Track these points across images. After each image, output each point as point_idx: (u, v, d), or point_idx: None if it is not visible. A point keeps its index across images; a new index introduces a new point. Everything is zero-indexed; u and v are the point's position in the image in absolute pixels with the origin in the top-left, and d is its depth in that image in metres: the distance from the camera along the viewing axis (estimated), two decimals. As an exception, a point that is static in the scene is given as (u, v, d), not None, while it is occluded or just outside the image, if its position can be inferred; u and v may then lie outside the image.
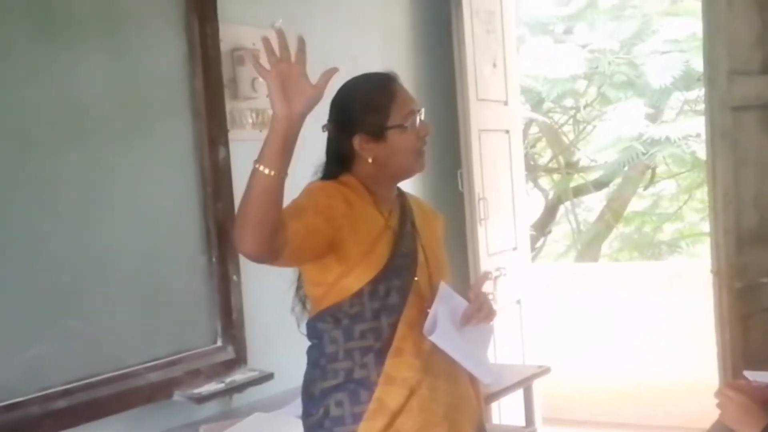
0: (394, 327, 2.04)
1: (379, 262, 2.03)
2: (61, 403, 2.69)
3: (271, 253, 1.84)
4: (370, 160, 2.08)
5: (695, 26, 6.77)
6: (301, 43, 1.83)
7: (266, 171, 1.76)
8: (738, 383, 2.30)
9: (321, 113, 2.07)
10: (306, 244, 1.93)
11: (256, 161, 1.78)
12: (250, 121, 3.48)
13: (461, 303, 2.11)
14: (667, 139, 7.38)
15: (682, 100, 8.12)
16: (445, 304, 2.07)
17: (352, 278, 2.02)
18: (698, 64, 6.67)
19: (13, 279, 2.62)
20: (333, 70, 1.85)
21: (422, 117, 2.11)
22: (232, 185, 3.27)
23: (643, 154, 7.61)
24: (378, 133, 2.07)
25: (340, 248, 2.00)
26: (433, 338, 2.01)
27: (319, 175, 2.15)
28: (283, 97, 1.77)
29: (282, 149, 1.78)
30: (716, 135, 3.65)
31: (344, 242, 2.00)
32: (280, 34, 1.80)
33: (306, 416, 2.13)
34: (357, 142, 2.07)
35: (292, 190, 2.07)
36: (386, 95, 2.08)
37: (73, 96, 2.81)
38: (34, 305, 2.67)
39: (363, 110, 2.08)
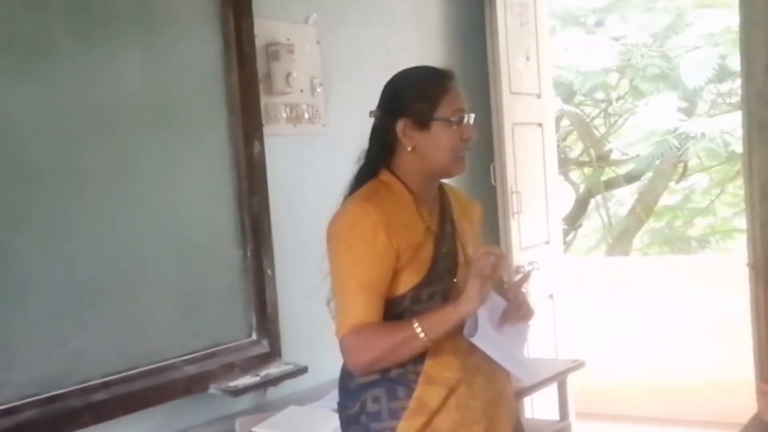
0: None
1: (423, 267, 2.04)
2: (100, 396, 2.72)
3: None
4: (409, 149, 2.08)
5: (729, 19, 6.70)
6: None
7: (425, 338, 1.96)
8: (777, 379, 2.29)
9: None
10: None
11: (421, 330, 1.96)
12: (284, 115, 3.49)
13: (499, 302, 2.10)
14: (702, 134, 7.31)
15: (715, 93, 8.04)
16: (485, 304, 2.06)
17: (398, 283, 2.03)
18: (733, 59, 6.64)
19: (52, 273, 2.65)
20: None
21: (470, 122, 2.10)
22: (266, 179, 3.29)
23: (677, 148, 7.55)
24: (423, 122, 2.07)
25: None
26: (474, 340, 2.01)
27: (362, 162, 2.17)
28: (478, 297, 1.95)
29: (449, 332, 1.98)
30: (753, 128, 3.62)
31: (398, 255, 2.03)
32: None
33: (342, 409, 2.14)
34: (401, 126, 2.08)
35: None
36: (440, 87, 2.09)
37: (110, 91, 2.83)
38: (73, 299, 2.70)
39: (413, 96, 2.09)
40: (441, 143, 2.07)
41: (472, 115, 2.11)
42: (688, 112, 7.89)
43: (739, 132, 4.16)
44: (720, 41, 7.23)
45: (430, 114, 2.06)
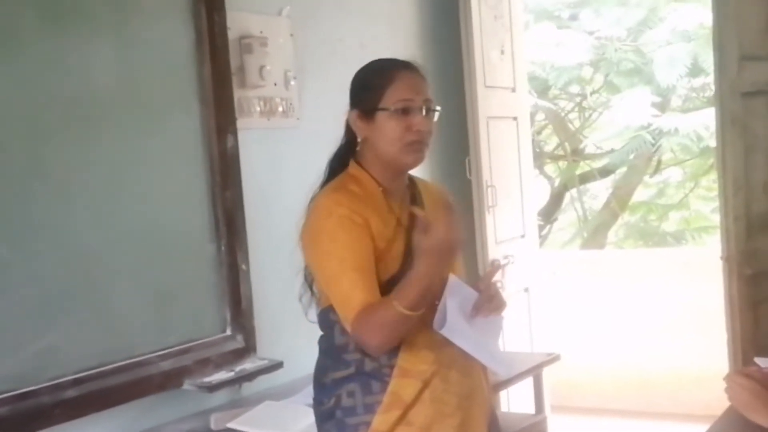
0: None
1: (396, 260, 2.04)
2: (72, 392, 2.69)
3: None
4: (359, 139, 2.11)
5: (703, 14, 6.74)
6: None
7: (408, 312, 1.90)
8: (749, 370, 2.30)
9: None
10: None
11: (398, 305, 1.90)
12: (258, 109, 3.47)
13: (471, 294, 2.10)
14: (676, 129, 7.36)
15: (688, 88, 8.08)
16: (455, 296, 2.05)
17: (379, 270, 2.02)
18: (705, 56, 6.68)
19: (21, 269, 2.62)
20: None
21: (428, 113, 2.08)
22: (240, 173, 3.27)
23: (651, 144, 7.59)
24: (368, 112, 2.08)
25: None
26: (443, 332, 2.00)
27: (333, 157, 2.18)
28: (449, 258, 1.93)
29: (428, 298, 1.95)
30: (726, 121, 3.65)
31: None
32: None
33: (317, 404, 2.13)
34: (351, 116, 2.11)
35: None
36: (385, 77, 2.08)
37: (81, 85, 2.80)
38: (44, 295, 2.66)
39: (360, 86, 2.12)
40: (385, 133, 2.07)
41: (432, 108, 2.09)
42: (662, 107, 7.94)
43: (712, 127, 4.17)
44: (693, 37, 7.28)
45: (374, 104, 2.07)
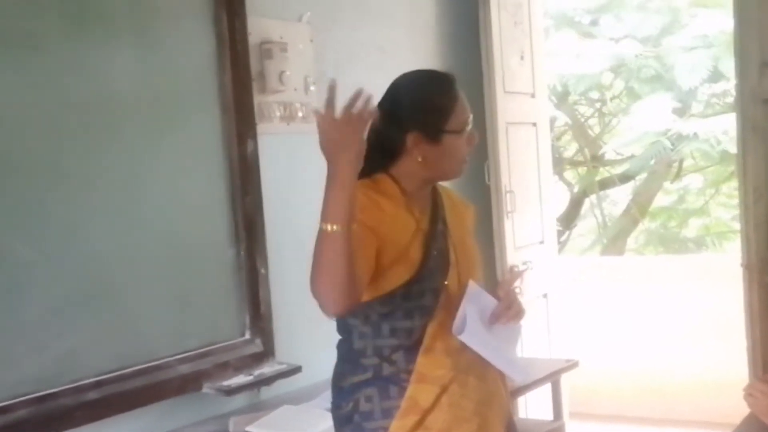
0: (425, 326, 2.04)
1: (413, 265, 2.02)
2: (93, 395, 2.72)
3: (357, 303, 1.91)
4: (419, 159, 2.05)
5: (723, 20, 6.71)
6: (332, 89, 1.81)
7: (333, 228, 1.79)
8: (768, 378, 2.29)
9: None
10: (371, 267, 1.95)
11: (322, 221, 1.80)
12: (278, 114, 3.48)
13: (490, 301, 2.10)
14: (695, 135, 7.33)
15: (709, 93, 8.05)
16: (474, 302, 2.06)
17: (386, 280, 2.00)
18: (726, 60, 6.66)
19: (44, 273, 2.64)
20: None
21: (471, 124, 2.10)
22: (260, 179, 3.28)
23: (671, 149, 7.56)
24: (434, 135, 2.04)
25: (378, 252, 1.98)
26: (462, 337, 2.01)
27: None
28: (341, 147, 1.81)
29: (346, 200, 1.81)
30: (747, 128, 3.62)
31: (382, 247, 1.99)
32: (332, 89, 1.80)
33: (335, 409, 2.13)
34: (411, 139, 2.04)
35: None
36: (450, 98, 2.06)
37: (103, 91, 2.83)
38: (66, 298, 2.69)
39: (424, 109, 2.05)
40: (452, 154, 2.07)
41: (471, 116, 2.11)
42: (682, 112, 7.90)
43: (732, 132, 4.15)
44: (714, 43, 7.24)
45: (441, 127, 2.04)
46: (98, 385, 2.74)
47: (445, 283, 2.08)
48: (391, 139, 2.06)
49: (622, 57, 7.78)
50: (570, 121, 9.04)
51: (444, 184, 2.23)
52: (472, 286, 2.09)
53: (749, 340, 3.71)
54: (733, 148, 5.62)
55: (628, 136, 8.31)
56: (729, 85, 7.09)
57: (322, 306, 1.86)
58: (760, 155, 3.61)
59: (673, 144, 7.52)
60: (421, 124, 2.04)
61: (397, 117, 2.05)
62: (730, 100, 7.29)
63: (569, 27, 8.10)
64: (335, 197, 1.81)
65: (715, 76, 7.29)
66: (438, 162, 2.06)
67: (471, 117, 2.09)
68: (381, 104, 2.06)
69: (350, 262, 1.82)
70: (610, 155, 9.10)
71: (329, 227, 1.80)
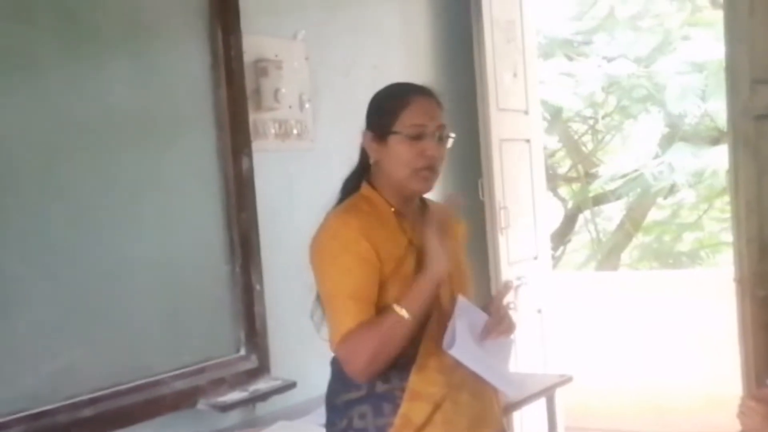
0: (418, 343, 2.04)
1: (406, 280, 2.03)
2: (88, 412, 2.71)
3: None
4: (371, 161, 2.12)
5: (715, 43, 6.78)
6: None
7: (408, 317, 1.96)
8: (761, 393, 2.30)
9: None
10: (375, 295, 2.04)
11: (400, 308, 1.96)
12: (273, 131, 3.50)
13: (481, 316, 2.11)
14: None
15: (700, 114, 8.09)
16: (464, 317, 2.06)
17: (382, 293, 2.03)
18: (717, 82, 6.73)
19: (38, 289, 2.64)
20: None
21: (441, 139, 2.09)
22: (255, 196, 3.29)
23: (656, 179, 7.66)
24: (381, 135, 2.09)
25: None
26: (452, 352, 2.01)
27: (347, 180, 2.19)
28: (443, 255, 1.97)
29: (428, 299, 1.99)
30: (738, 143, 3.65)
31: (381, 267, 2.03)
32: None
33: (329, 425, 2.15)
34: (365, 138, 2.12)
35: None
36: (400, 101, 2.09)
37: (97, 106, 2.84)
38: (60, 315, 2.69)
39: (376, 109, 2.14)
40: (397, 158, 2.07)
41: (446, 134, 2.10)
42: (670, 138, 7.97)
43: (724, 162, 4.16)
44: (706, 68, 7.32)
45: (387, 127, 2.07)
46: (93, 401, 2.73)
47: (438, 296, 2.08)
48: (363, 144, 2.16)
49: (615, 78, 7.83)
50: (563, 137, 9.07)
51: (430, 195, 2.26)
52: (462, 301, 2.09)
53: (742, 354, 3.72)
54: (723, 163, 5.66)
55: (620, 156, 8.38)
56: (720, 105, 7.18)
57: (355, 372, 2.00)
58: (752, 170, 3.63)
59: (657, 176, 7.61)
60: (372, 124, 2.12)
61: (365, 123, 2.16)
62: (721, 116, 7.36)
63: (561, 49, 8.15)
64: (421, 293, 1.97)
65: (706, 94, 7.35)
66: (387, 165, 2.09)
67: (431, 128, 2.07)
68: None
69: (399, 348, 1.97)
70: (603, 171, 9.14)
71: (404, 314, 1.95)
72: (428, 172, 2.07)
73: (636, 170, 7.76)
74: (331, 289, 2.03)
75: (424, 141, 2.06)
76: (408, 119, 2.06)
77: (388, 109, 2.09)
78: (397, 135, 2.06)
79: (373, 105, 2.16)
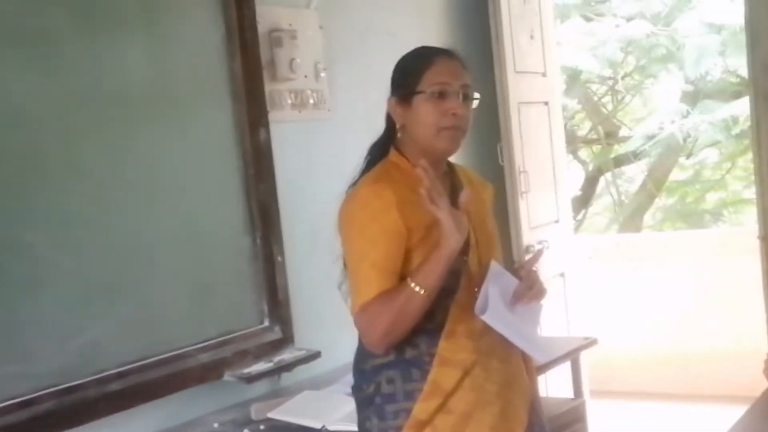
0: (446, 309, 2.04)
1: (435, 246, 2.01)
2: (116, 386, 2.73)
3: None
4: (398, 126, 2.11)
5: (730, 4, 6.70)
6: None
7: (420, 291, 1.94)
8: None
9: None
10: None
11: (415, 285, 1.94)
12: (289, 102, 3.48)
13: (512, 281, 2.10)
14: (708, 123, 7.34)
15: (723, 67, 8.01)
16: (496, 282, 2.05)
17: (409, 260, 2.02)
18: (735, 43, 6.66)
19: (63, 265, 2.66)
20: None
21: (465, 99, 2.07)
22: (273, 166, 3.29)
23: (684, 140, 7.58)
24: (405, 97, 2.08)
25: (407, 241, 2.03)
26: (484, 317, 2.00)
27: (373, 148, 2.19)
28: (456, 230, 1.93)
29: (442, 275, 1.96)
30: (759, 98, 3.61)
31: (409, 234, 2.02)
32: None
33: (357, 390, 2.14)
34: (390, 103, 2.11)
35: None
36: (423, 62, 2.08)
37: (114, 81, 2.84)
38: (85, 291, 2.71)
39: (399, 72, 2.13)
40: (421, 119, 2.06)
41: (471, 94, 2.08)
42: (693, 97, 7.88)
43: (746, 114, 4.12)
44: (724, 29, 7.23)
45: (411, 89, 2.06)
46: (120, 376, 2.76)
47: (466, 259, 2.07)
48: (388, 111, 2.14)
49: (634, 36, 7.75)
50: (582, 99, 9.00)
51: (460, 162, 2.24)
52: (495, 266, 2.09)
53: (767, 312, 3.70)
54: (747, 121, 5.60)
55: (641, 114, 8.30)
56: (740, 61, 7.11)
57: (371, 344, 2.02)
58: (774, 126, 3.59)
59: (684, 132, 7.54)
60: (397, 87, 2.11)
61: (390, 88, 2.14)
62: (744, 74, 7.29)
63: (577, 9, 8.07)
64: (435, 269, 1.94)
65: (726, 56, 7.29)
66: (413, 127, 2.08)
67: (454, 87, 2.06)
68: None
69: (415, 321, 1.97)
70: (624, 132, 9.07)
71: (418, 289, 1.94)
72: (454, 131, 2.07)
73: (661, 129, 7.66)
74: (356, 259, 2.03)
75: (448, 100, 2.05)
76: (432, 78, 2.05)
77: (411, 70, 2.09)
78: (422, 95, 2.05)
79: (397, 69, 2.15)
